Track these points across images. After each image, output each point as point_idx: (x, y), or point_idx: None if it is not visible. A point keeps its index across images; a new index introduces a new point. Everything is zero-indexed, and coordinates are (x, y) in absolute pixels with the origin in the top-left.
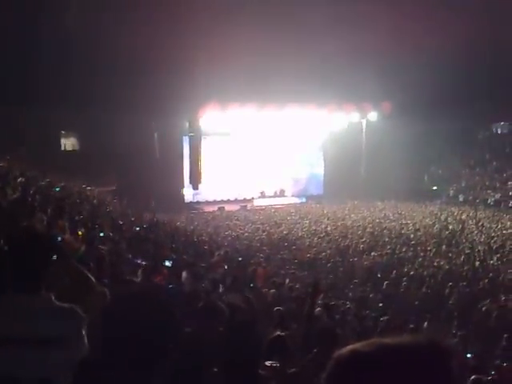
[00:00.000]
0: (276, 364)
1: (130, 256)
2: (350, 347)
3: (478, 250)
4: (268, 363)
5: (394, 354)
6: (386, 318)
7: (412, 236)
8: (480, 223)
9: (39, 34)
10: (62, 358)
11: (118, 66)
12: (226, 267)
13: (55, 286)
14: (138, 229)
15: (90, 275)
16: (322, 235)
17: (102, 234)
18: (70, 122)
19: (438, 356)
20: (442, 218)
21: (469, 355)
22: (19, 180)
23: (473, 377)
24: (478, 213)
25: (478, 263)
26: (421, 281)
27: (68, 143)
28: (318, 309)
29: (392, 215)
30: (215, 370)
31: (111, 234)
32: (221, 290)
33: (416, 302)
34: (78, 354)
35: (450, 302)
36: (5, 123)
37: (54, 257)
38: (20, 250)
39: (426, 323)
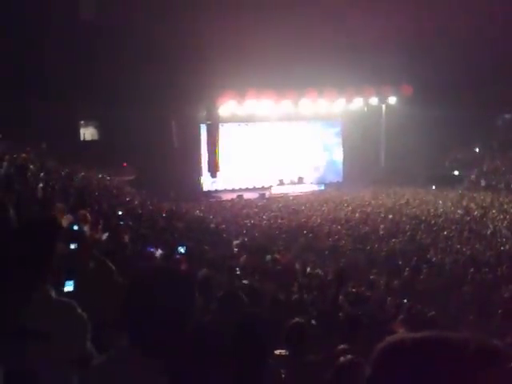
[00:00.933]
0: (285, 352)
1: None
2: (399, 335)
3: (501, 236)
4: (277, 352)
5: (442, 347)
6: (407, 304)
7: (433, 222)
8: (503, 208)
9: (56, 24)
10: (49, 353)
11: (136, 55)
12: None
13: (78, 272)
14: (157, 218)
15: (110, 264)
16: (342, 222)
17: (121, 223)
18: (89, 112)
19: (486, 358)
20: (464, 203)
21: None
22: (40, 174)
23: None
24: (501, 198)
25: (502, 248)
26: (442, 267)
27: (87, 133)
28: (341, 297)
29: (413, 201)
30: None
31: (131, 224)
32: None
33: (436, 289)
34: (70, 352)
35: (465, 288)
36: (23, 113)
37: (73, 246)
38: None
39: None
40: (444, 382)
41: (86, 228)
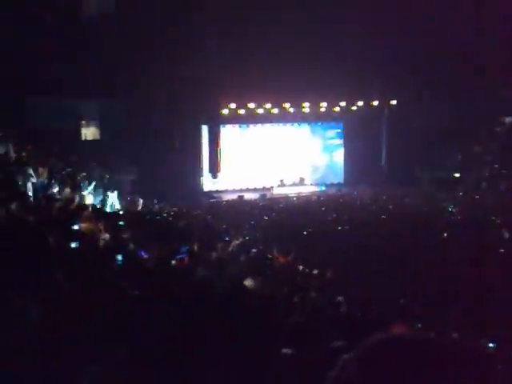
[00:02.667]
0: (289, 351)
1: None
2: (388, 334)
3: (502, 237)
4: (283, 351)
5: (432, 349)
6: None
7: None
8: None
9: (57, 22)
10: None
11: (138, 54)
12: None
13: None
14: (158, 218)
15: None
16: (343, 224)
17: (121, 223)
18: (90, 112)
19: (473, 362)
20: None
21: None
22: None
23: None
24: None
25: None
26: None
27: (88, 133)
28: (340, 297)
29: (413, 202)
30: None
31: (132, 223)
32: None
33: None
34: None
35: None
36: (23, 113)
37: (74, 245)
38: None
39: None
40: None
41: (84, 227)
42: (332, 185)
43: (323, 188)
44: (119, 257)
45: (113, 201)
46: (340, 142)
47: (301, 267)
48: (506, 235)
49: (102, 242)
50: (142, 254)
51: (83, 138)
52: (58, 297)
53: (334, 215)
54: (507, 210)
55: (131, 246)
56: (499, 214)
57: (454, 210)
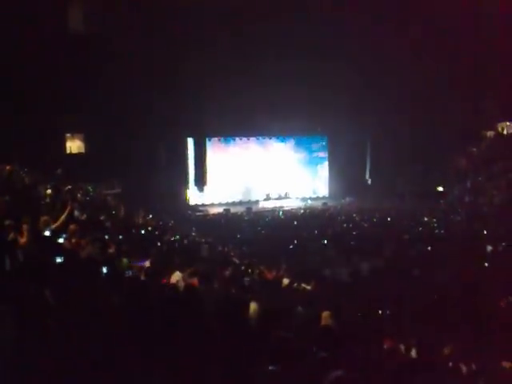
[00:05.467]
0: (275, 368)
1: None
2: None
3: (486, 251)
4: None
5: None
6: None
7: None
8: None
9: (44, 36)
10: None
11: (124, 68)
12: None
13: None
14: (143, 232)
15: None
16: (328, 237)
17: (106, 237)
18: (75, 125)
19: None
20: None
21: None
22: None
23: None
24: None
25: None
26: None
27: (73, 146)
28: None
29: (396, 214)
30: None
31: (120, 237)
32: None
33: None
34: None
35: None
36: (7, 126)
37: (59, 259)
38: None
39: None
40: None
41: (73, 241)
42: (317, 198)
43: (309, 202)
44: (104, 269)
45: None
46: (325, 155)
47: (287, 281)
48: (489, 248)
49: (85, 256)
50: (141, 263)
51: (68, 152)
52: (40, 309)
53: (319, 229)
54: (491, 223)
55: (125, 260)
56: (484, 226)
57: (436, 224)
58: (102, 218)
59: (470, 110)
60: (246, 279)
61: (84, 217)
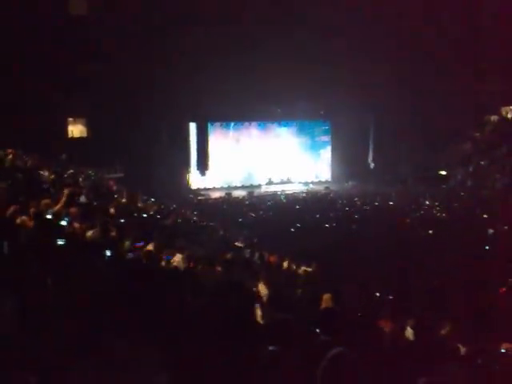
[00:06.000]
0: (275, 349)
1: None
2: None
3: (487, 234)
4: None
5: None
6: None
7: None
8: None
9: (44, 20)
10: None
11: (125, 52)
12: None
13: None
14: (145, 215)
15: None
16: (331, 222)
17: (108, 221)
18: (78, 109)
19: None
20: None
21: None
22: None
23: None
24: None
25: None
26: None
27: (75, 130)
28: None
29: (399, 199)
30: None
31: (122, 221)
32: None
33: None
34: None
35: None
36: (9, 110)
37: (61, 242)
38: None
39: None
40: None
41: (75, 224)
42: (320, 182)
43: (311, 186)
44: (107, 252)
45: None
46: (327, 139)
47: (288, 264)
48: (491, 231)
49: (88, 239)
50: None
51: (70, 136)
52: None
53: (321, 213)
54: (494, 207)
55: (127, 243)
56: (486, 210)
57: (439, 208)
58: (103, 201)
59: (473, 94)
60: (248, 262)
61: (85, 201)
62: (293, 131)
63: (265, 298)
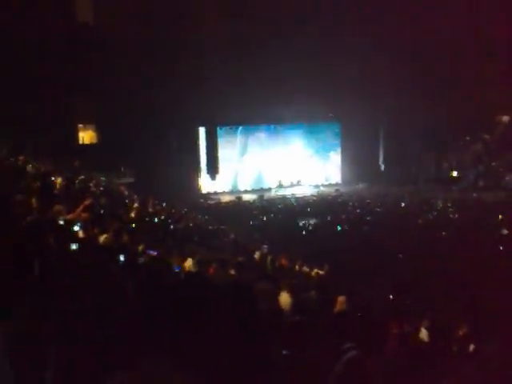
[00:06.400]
0: (289, 352)
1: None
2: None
3: (501, 235)
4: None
5: None
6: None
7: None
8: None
9: (54, 26)
10: None
11: (135, 57)
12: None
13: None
14: (156, 220)
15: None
16: (342, 224)
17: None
18: (88, 115)
19: None
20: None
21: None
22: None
23: None
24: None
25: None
26: None
27: (86, 136)
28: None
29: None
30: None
31: (133, 226)
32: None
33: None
34: None
35: None
36: (20, 116)
37: (74, 246)
38: None
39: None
40: None
41: (87, 230)
42: (330, 185)
43: (321, 188)
44: (121, 257)
45: None
46: (337, 141)
47: (301, 267)
48: (505, 232)
49: (101, 244)
50: (151, 252)
51: (80, 142)
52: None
53: (332, 215)
54: (505, 207)
55: (140, 247)
56: (498, 211)
57: (451, 209)
58: (115, 207)
59: (484, 95)
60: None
61: (98, 207)
62: (303, 133)
63: (288, 307)
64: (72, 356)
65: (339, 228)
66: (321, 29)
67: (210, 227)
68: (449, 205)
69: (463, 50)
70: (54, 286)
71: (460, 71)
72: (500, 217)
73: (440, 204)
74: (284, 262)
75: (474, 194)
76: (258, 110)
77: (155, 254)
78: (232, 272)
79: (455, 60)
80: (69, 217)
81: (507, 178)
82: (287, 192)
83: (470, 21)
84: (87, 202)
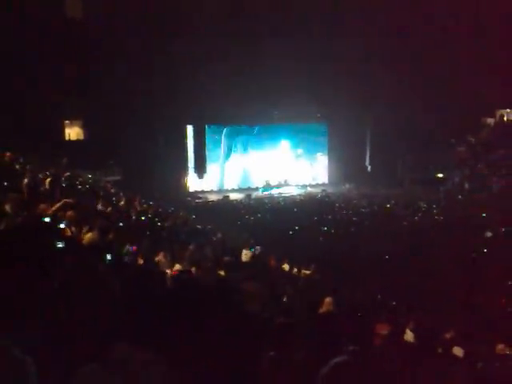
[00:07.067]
0: (273, 354)
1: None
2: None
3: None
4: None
5: None
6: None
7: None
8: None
9: (42, 22)
10: None
11: (122, 55)
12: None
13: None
14: (143, 218)
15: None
16: (329, 225)
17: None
18: (74, 111)
19: None
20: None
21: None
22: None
23: None
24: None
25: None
26: None
27: (72, 132)
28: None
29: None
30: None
31: (120, 224)
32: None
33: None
34: None
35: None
36: (6, 112)
37: (60, 244)
38: None
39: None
40: None
41: (73, 228)
42: (317, 185)
43: (308, 189)
44: (108, 256)
45: None
46: (324, 141)
47: (288, 267)
48: (489, 234)
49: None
50: (130, 248)
51: (67, 138)
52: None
53: (319, 215)
54: (491, 209)
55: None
56: (483, 213)
57: (436, 210)
58: (101, 205)
59: (470, 97)
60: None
61: (83, 204)
62: (290, 134)
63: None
64: (57, 357)
65: (325, 228)
66: (308, 30)
67: (196, 226)
68: (434, 206)
69: (450, 53)
70: (44, 285)
71: (446, 74)
72: (484, 218)
73: (425, 205)
74: (272, 261)
75: (460, 196)
76: (246, 110)
77: (134, 248)
78: (220, 272)
79: (442, 63)
80: (49, 211)
81: (492, 180)
82: (274, 191)
83: (457, 22)
84: (69, 200)
